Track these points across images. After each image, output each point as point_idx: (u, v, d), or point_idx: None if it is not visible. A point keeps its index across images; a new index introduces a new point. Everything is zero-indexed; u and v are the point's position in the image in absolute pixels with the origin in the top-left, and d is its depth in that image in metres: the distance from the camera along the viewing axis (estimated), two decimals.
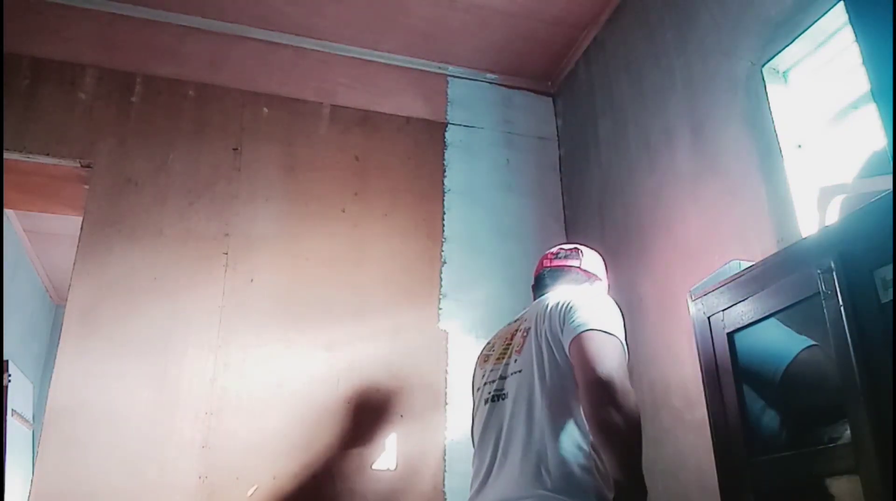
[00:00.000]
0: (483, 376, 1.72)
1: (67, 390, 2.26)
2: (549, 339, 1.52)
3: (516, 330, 1.69)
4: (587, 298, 1.57)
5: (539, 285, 1.80)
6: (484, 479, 1.52)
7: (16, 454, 4.47)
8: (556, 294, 1.64)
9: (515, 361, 1.59)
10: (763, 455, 1.30)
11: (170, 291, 2.47)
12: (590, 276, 1.77)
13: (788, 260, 1.28)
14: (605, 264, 1.87)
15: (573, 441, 1.42)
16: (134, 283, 2.45)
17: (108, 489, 2.17)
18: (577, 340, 1.43)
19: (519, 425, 1.49)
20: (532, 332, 1.59)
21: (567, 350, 1.47)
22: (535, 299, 1.78)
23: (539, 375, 1.51)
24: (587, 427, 1.40)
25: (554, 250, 1.86)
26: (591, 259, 1.82)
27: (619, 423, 1.30)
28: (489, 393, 1.63)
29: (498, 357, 1.68)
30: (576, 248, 1.84)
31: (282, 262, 2.64)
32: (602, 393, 1.33)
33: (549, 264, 1.81)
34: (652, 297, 2.32)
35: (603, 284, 1.82)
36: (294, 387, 2.47)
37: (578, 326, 1.45)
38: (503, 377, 1.61)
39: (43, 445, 2.19)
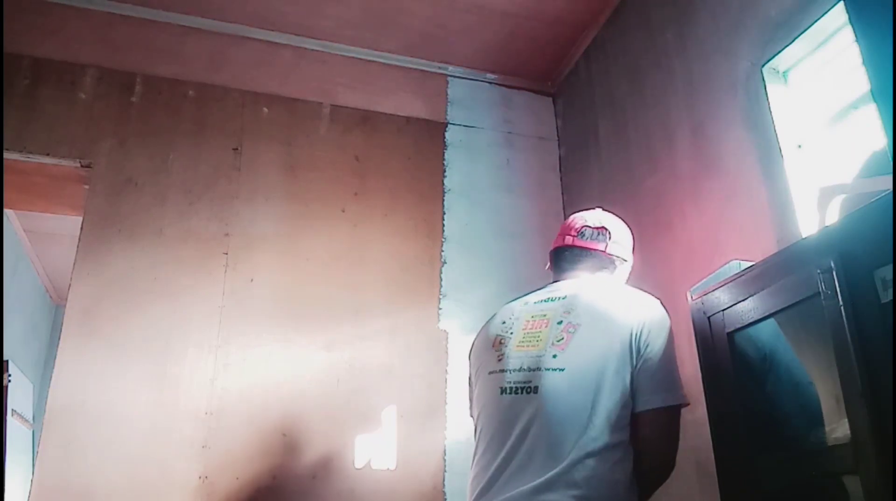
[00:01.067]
0: (499, 359, 1.55)
1: (67, 390, 2.26)
2: (618, 364, 1.42)
3: (544, 317, 1.54)
4: (661, 327, 1.46)
5: (559, 262, 1.69)
6: (494, 476, 1.42)
7: (16, 454, 4.47)
8: (602, 289, 1.56)
9: (555, 356, 1.44)
10: (763, 455, 1.30)
11: (170, 291, 2.48)
12: (614, 260, 1.67)
13: (788, 260, 1.28)
14: (632, 236, 1.76)
15: (613, 456, 1.37)
16: (134, 283, 2.45)
17: (108, 489, 2.18)
18: (661, 414, 1.41)
19: (552, 425, 1.39)
20: (586, 333, 1.46)
21: (636, 396, 1.41)
22: (555, 276, 1.69)
23: (595, 385, 1.41)
24: (629, 451, 1.40)
25: (578, 224, 1.69)
26: (618, 240, 1.69)
27: (661, 480, 1.47)
28: (510, 383, 1.49)
29: (521, 343, 1.54)
30: (603, 228, 1.68)
31: (282, 262, 2.64)
32: (663, 473, 1.46)
33: (571, 243, 1.67)
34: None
35: (628, 264, 1.73)
36: (294, 387, 2.47)
37: (665, 395, 1.41)
38: (533, 369, 1.46)
39: (43, 445, 2.19)
